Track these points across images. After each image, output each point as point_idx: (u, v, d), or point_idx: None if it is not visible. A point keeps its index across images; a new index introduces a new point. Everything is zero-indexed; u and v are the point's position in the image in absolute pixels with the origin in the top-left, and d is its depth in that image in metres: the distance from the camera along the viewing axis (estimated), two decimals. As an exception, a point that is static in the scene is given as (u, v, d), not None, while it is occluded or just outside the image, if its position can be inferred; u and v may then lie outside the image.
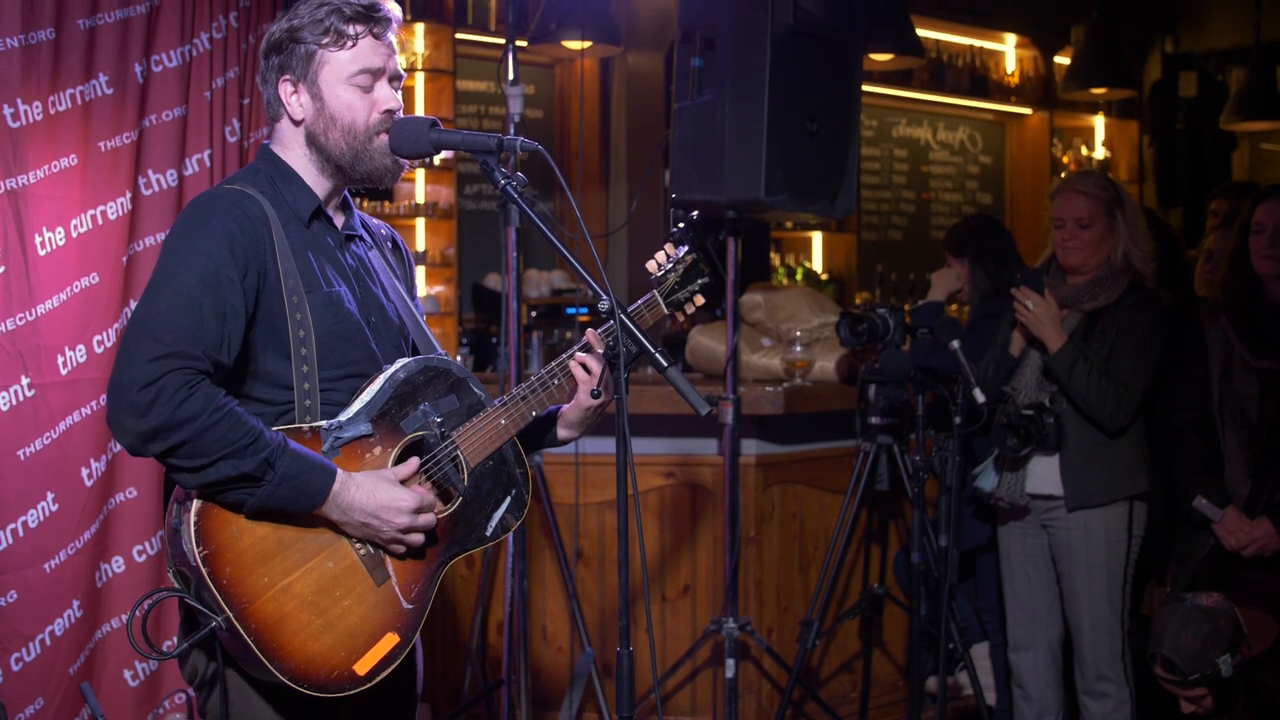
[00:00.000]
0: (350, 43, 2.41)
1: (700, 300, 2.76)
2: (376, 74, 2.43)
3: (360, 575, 2.33)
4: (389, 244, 2.68)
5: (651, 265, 2.72)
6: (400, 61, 2.52)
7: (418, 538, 2.36)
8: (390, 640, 2.34)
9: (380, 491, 2.30)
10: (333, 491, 2.25)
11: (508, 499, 2.52)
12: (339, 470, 2.27)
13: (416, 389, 2.43)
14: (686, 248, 2.75)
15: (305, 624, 2.25)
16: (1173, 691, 3.36)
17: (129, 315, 3.78)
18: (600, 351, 2.55)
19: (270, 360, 2.35)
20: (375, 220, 2.70)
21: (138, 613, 2.28)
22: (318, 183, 2.47)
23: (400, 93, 2.50)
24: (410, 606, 2.38)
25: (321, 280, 2.40)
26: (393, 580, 2.37)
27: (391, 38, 2.48)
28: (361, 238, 2.57)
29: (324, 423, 2.33)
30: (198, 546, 2.19)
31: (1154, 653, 3.36)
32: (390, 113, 2.44)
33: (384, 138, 2.44)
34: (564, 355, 2.61)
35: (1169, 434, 4.01)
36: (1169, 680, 3.32)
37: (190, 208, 2.38)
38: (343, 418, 2.35)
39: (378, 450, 2.37)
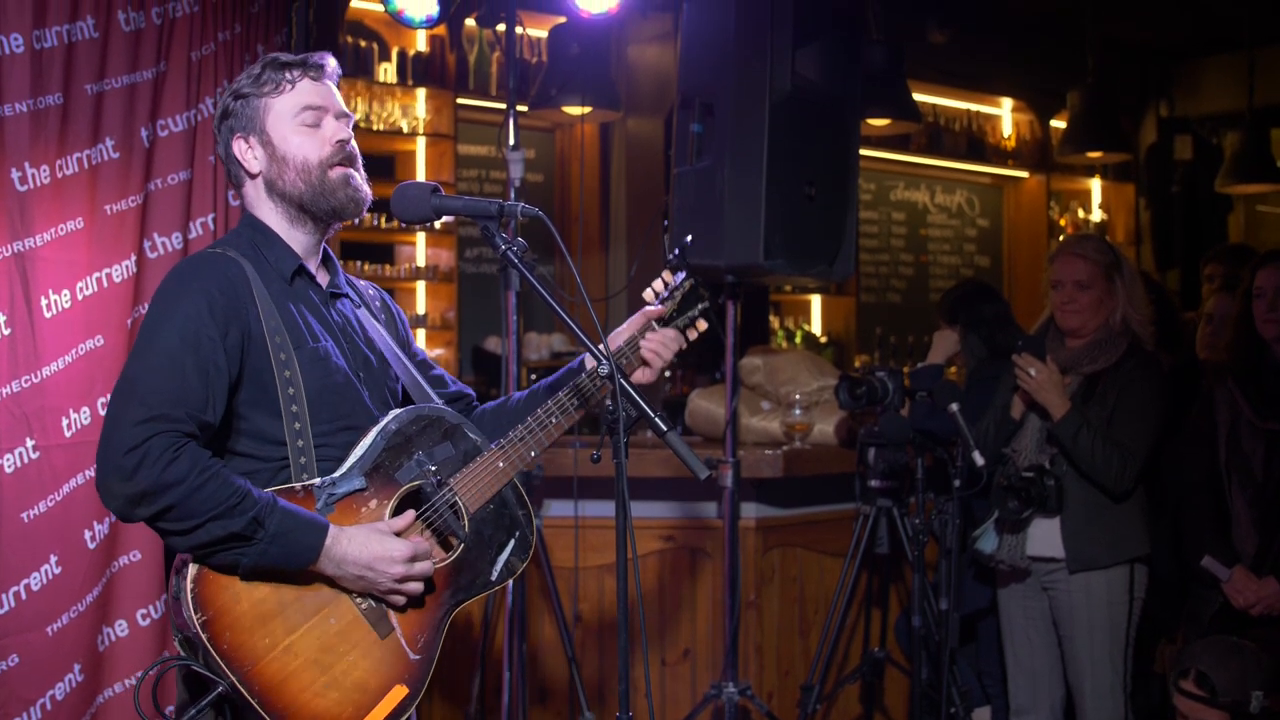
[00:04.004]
0: (289, 85, 2.48)
1: (703, 325, 2.77)
2: (320, 110, 2.48)
3: (364, 629, 2.33)
4: (377, 302, 2.71)
5: (648, 294, 2.73)
6: (340, 103, 2.55)
7: (416, 586, 2.36)
8: (399, 692, 2.34)
9: (373, 543, 2.31)
10: (325, 546, 2.26)
11: (511, 542, 2.52)
12: (330, 525, 2.28)
13: (409, 439, 2.44)
14: (684, 274, 2.75)
15: (310, 682, 2.25)
16: (1188, 711, 3.36)
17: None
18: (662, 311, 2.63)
19: (261, 418, 2.37)
20: (363, 282, 2.74)
21: (148, 676, 2.30)
22: (293, 237, 2.50)
23: (351, 134, 2.53)
24: (417, 657, 2.38)
25: (308, 336, 2.43)
26: (397, 632, 2.36)
27: (330, 84, 2.53)
28: (348, 295, 2.60)
29: (317, 480, 2.34)
30: (196, 614, 2.19)
31: (1188, 668, 3.38)
32: (342, 143, 2.49)
33: (339, 170, 2.47)
34: (561, 394, 2.63)
35: (1178, 493, 4.04)
36: (1195, 696, 3.32)
37: (171, 273, 2.42)
38: (336, 474, 2.36)
39: (373, 504, 2.38)
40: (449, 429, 2.50)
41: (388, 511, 2.39)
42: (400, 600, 2.36)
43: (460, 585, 2.45)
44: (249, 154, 2.50)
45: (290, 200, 2.48)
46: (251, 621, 2.23)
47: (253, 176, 2.51)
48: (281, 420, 2.36)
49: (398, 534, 2.37)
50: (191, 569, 2.22)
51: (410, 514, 2.40)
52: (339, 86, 2.58)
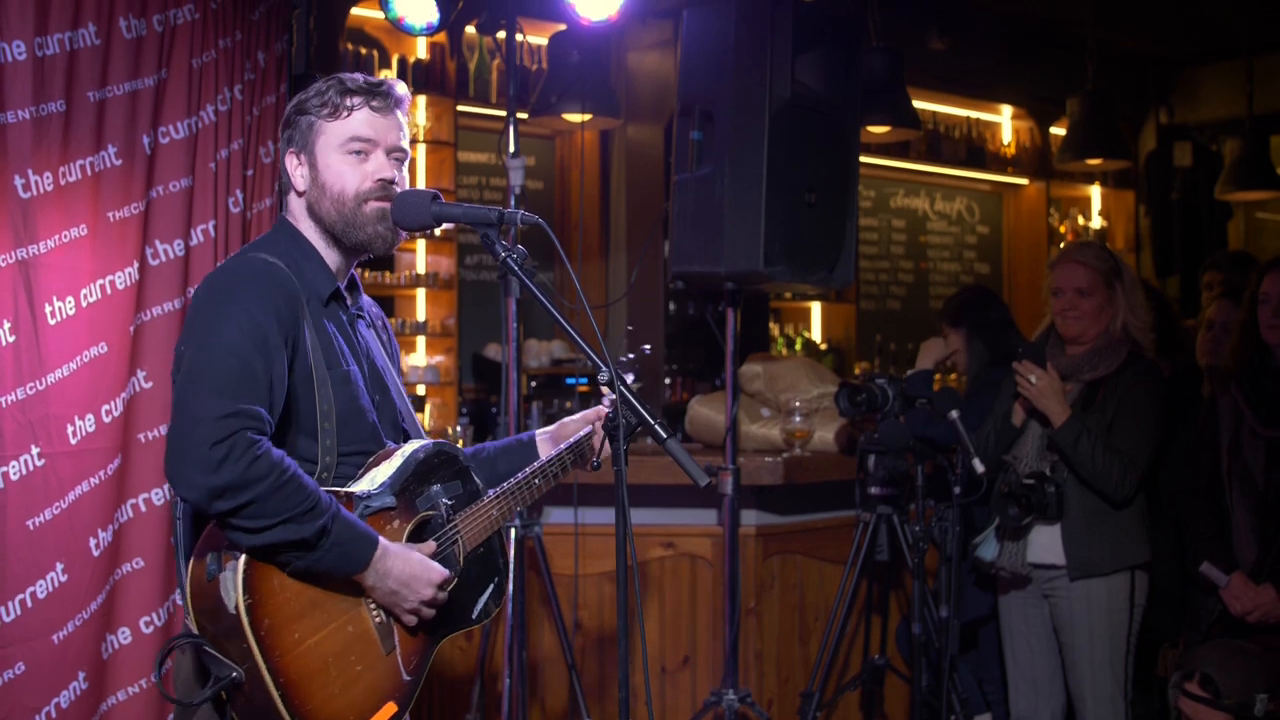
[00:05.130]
0: (345, 113, 2.48)
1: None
2: (369, 143, 2.48)
3: (372, 642, 2.36)
4: (379, 323, 2.73)
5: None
6: (404, 138, 2.55)
7: (431, 611, 2.40)
8: (390, 709, 2.37)
9: (414, 563, 2.36)
10: (374, 559, 2.29)
11: (491, 586, 2.61)
12: (380, 539, 2.32)
13: (432, 470, 2.50)
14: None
15: (328, 683, 2.28)
16: (1192, 714, 3.36)
17: (136, 383, 3.82)
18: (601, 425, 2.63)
19: (294, 433, 2.39)
20: (367, 299, 2.75)
21: (166, 654, 2.33)
22: (329, 255, 2.53)
23: (405, 168, 2.54)
24: (409, 678, 2.41)
25: (340, 359, 2.46)
26: (398, 651, 2.40)
27: (397, 115, 2.53)
28: (364, 317, 2.63)
29: (358, 490, 2.38)
30: (243, 595, 2.19)
31: (1191, 670, 3.39)
32: (384, 182, 2.48)
33: (374, 205, 2.47)
34: (546, 460, 2.72)
35: (1179, 500, 4.04)
36: (1199, 699, 3.33)
37: (226, 275, 2.41)
38: (370, 488, 2.39)
39: (396, 524, 2.42)
40: (460, 469, 2.57)
41: (405, 534, 2.43)
42: (413, 621, 2.40)
43: (449, 618, 2.51)
44: (297, 171, 2.52)
45: (324, 226, 2.51)
46: (289, 614, 2.25)
47: (299, 193, 2.52)
48: (316, 438, 2.39)
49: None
50: (244, 553, 2.22)
51: (432, 544, 2.45)
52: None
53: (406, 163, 2.57)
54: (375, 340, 2.64)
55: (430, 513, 2.48)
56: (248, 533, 2.19)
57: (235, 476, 2.15)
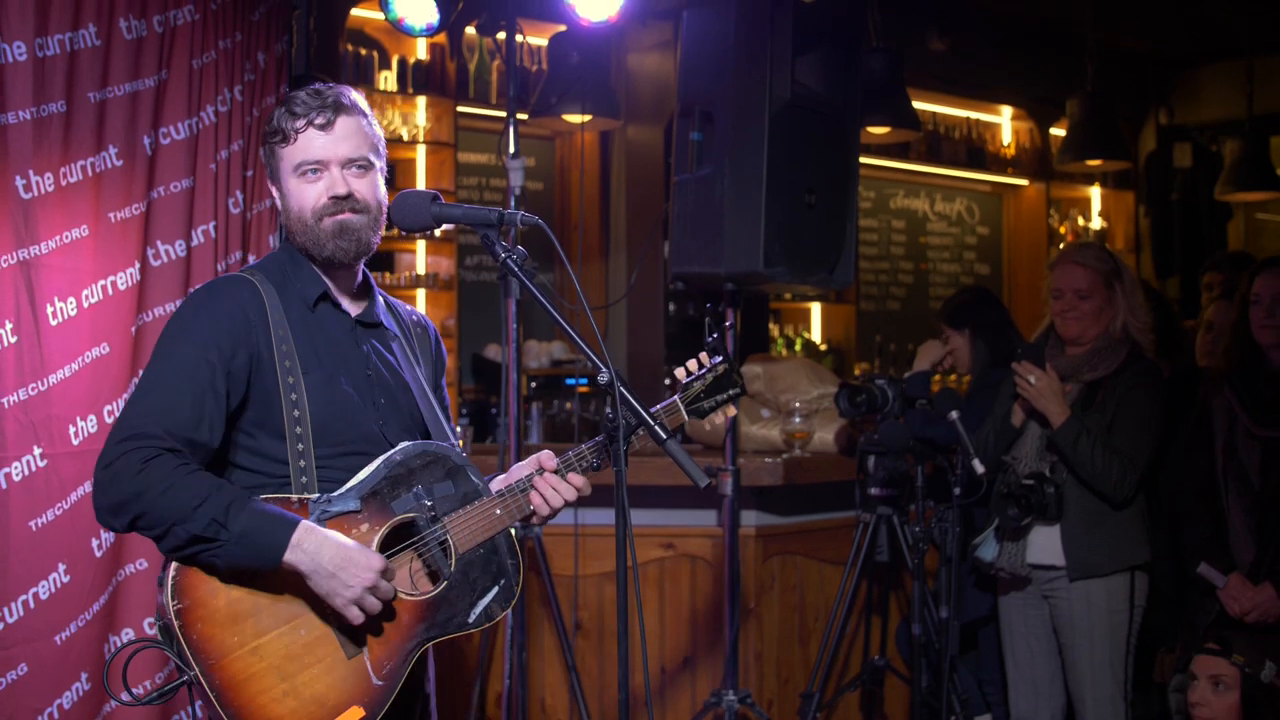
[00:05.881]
0: (295, 136, 2.51)
1: (732, 411, 2.78)
2: (319, 164, 2.50)
3: (331, 646, 2.36)
4: (417, 330, 2.74)
5: (680, 372, 2.74)
6: (363, 143, 2.54)
7: (374, 603, 2.33)
8: (355, 713, 2.35)
9: (349, 546, 2.33)
10: (294, 540, 2.28)
11: (495, 589, 2.52)
12: (302, 521, 2.31)
13: (412, 472, 2.47)
14: (720, 358, 2.76)
15: (269, 686, 2.29)
16: (1200, 667, 3.34)
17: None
18: (553, 469, 2.58)
19: (266, 437, 2.44)
20: (408, 308, 2.78)
21: (120, 653, 2.37)
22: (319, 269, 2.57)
23: (355, 185, 2.51)
24: (380, 683, 2.39)
25: (318, 362, 2.48)
26: (365, 655, 2.38)
27: (349, 123, 2.52)
28: (382, 326, 2.62)
29: (314, 496, 2.39)
30: (173, 600, 2.26)
31: (1209, 629, 3.54)
32: (337, 198, 2.49)
33: (330, 220, 2.49)
34: (584, 446, 2.63)
35: (1175, 501, 4.04)
36: (1211, 651, 3.32)
37: (189, 297, 2.53)
38: (334, 494, 2.40)
39: (364, 527, 2.41)
40: (453, 469, 2.52)
41: (378, 537, 2.41)
42: (357, 616, 2.32)
43: (436, 622, 2.46)
44: (276, 197, 2.58)
45: (299, 246, 2.55)
46: (225, 618, 2.28)
47: (284, 216, 2.57)
48: (285, 441, 2.42)
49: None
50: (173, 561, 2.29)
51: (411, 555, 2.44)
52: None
53: (375, 166, 2.55)
54: (402, 351, 2.64)
55: (413, 514, 2.45)
56: (157, 540, 2.28)
57: (119, 495, 2.27)
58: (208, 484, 2.28)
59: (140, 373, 2.42)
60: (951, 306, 5.00)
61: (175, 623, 2.25)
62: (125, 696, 2.39)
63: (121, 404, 3.80)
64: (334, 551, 2.30)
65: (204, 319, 2.43)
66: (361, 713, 2.36)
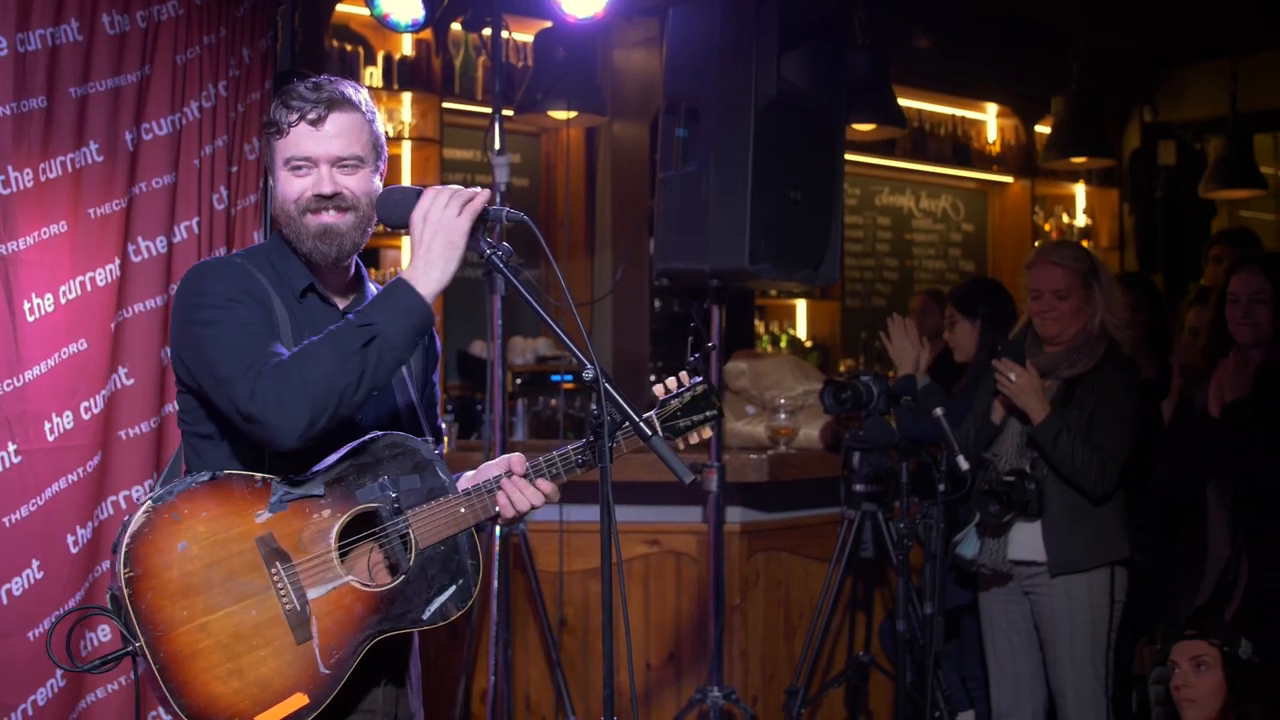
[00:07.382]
0: (287, 129, 2.50)
1: (708, 433, 2.75)
2: (308, 160, 2.50)
3: (282, 629, 2.34)
4: None
5: (659, 389, 2.72)
6: (355, 141, 2.53)
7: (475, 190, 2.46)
8: (298, 700, 2.33)
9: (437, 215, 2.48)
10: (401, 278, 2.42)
11: (452, 588, 2.49)
12: (402, 277, 2.42)
13: (379, 461, 2.45)
14: (700, 379, 2.76)
15: (214, 664, 2.28)
16: (1179, 653, 3.35)
17: (118, 380, 3.80)
18: (521, 473, 2.57)
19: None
20: None
21: (65, 619, 2.35)
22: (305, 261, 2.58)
23: (339, 185, 2.51)
24: (327, 672, 2.36)
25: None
26: (314, 642, 2.35)
27: (342, 119, 2.51)
28: None
29: (278, 478, 2.38)
30: (125, 568, 2.24)
31: (1187, 618, 3.53)
32: (319, 197, 2.49)
33: (313, 219, 2.50)
34: (537, 462, 2.62)
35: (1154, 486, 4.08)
36: (1189, 636, 3.34)
37: (199, 272, 2.51)
38: (298, 477, 2.39)
39: (326, 513, 2.40)
40: (420, 463, 2.50)
41: (338, 525, 2.40)
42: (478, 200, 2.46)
43: (390, 615, 2.44)
44: (273, 186, 2.57)
45: (285, 237, 2.55)
46: (176, 590, 2.27)
47: (273, 204, 2.58)
48: None
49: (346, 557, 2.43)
50: (134, 523, 2.26)
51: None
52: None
53: (368, 163, 2.55)
54: None
55: (376, 504, 2.43)
56: (352, 393, 2.31)
57: (296, 404, 2.27)
58: (320, 336, 2.33)
59: (196, 337, 2.40)
60: (965, 294, 4.95)
61: (125, 591, 2.23)
62: (67, 664, 2.39)
63: (100, 401, 3.79)
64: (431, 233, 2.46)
65: (224, 283, 2.44)
66: (305, 700, 2.33)
